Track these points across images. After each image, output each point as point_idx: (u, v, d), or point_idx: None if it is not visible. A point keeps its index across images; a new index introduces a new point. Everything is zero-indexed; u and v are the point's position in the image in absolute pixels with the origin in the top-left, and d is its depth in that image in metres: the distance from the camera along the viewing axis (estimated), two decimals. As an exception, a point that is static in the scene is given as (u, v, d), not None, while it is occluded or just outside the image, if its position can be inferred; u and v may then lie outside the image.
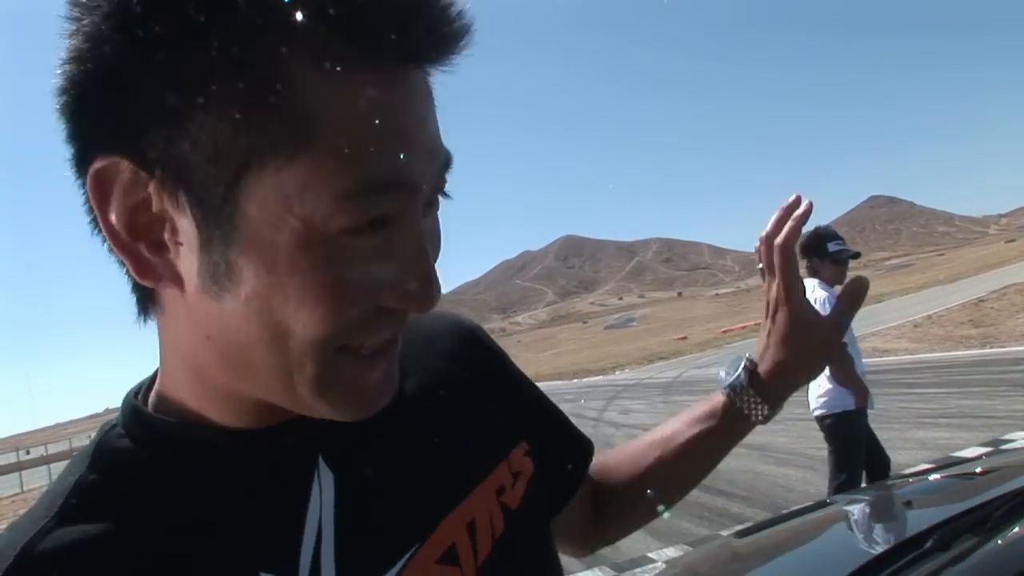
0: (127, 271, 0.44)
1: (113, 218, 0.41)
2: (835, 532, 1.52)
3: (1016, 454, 2.79)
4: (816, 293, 3.77)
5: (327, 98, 0.38)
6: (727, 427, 0.73)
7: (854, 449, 3.79)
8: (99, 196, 0.41)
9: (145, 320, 0.48)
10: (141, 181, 0.40)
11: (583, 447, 0.77)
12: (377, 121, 0.39)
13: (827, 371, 3.71)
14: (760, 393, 0.71)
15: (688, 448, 0.75)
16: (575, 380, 33.43)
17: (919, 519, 1.29)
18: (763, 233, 0.69)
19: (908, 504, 1.41)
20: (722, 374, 0.74)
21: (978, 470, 1.47)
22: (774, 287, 0.70)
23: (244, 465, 0.48)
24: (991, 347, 11.63)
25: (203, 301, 0.42)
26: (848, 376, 3.72)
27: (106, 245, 0.43)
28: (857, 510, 1.62)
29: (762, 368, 0.72)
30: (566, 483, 0.73)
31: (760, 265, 0.70)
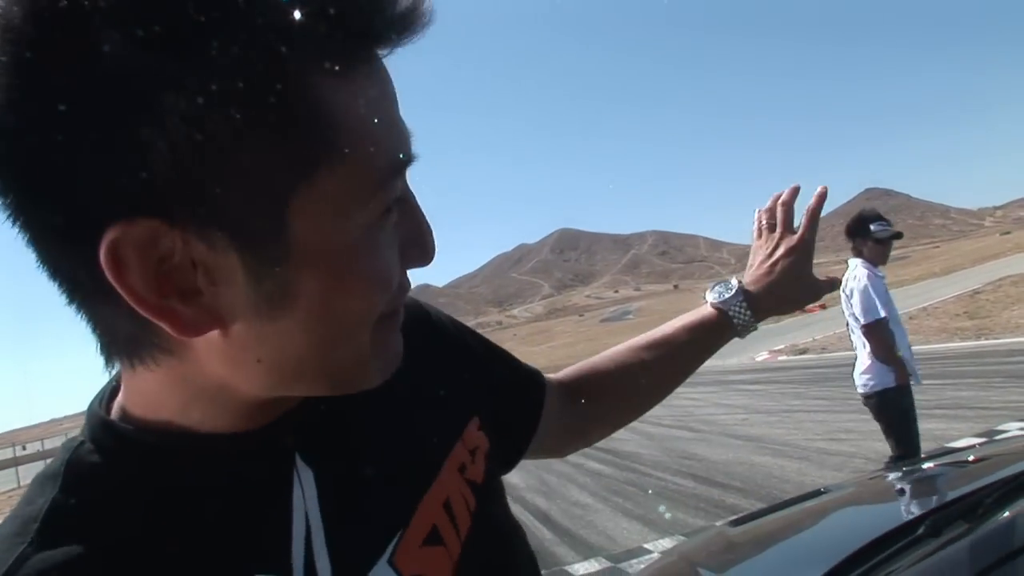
0: (102, 338, 0.43)
1: (137, 284, 0.37)
2: (829, 520, 1.53)
3: (1009, 442, 2.82)
4: (858, 271, 3.90)
5: (344, 100, 0.38)
6: (713, 335, 0.86)
7: (904, 423, 3.82)
8: (116, 268, 0.36)
9: (127, 364, 0.44)
10: (163, 235, 0.37)
11: (536, 383, 0.80)
12: (380, 107, 0.41)
13: (869, 348, 3.84)
14: (749, 306, 0.85)
15: (676, 353, 0.87)
16: (572, 373, 33.40)
17: (912, 507, 1.30)
18: (782, 198, 0.89)
19: (901, 492, 1.42)
20: (712, 293, 0.88)
21: (971, 458, 1.48)
22: (789, 238, 0.87)
23: (224, 469, 0.47)
24: (986, 339, 11.67)
25: (255, 329, 0.41)
26: (888, 353, 3.79)
27: (79, 315, 0.41)
28: (850, 498, 1.63)
29: (755, 288, 0.86)
30: (529, 422, 0.77)
31: (764, 222, 0.90)
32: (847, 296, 3.95)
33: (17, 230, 0.38)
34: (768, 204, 0.90)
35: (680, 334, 0.87)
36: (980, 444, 3.58)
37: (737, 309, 0.85)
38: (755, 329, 0.87)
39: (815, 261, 0.88)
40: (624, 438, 8.83)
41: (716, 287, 0.89)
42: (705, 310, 0.87)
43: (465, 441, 0.62)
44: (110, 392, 0.50)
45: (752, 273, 0.88)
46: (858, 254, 3.99)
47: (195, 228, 0.37)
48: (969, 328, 13.23)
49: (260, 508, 0.47)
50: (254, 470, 0.48)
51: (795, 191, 0.89)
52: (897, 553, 0.99)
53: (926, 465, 1.64)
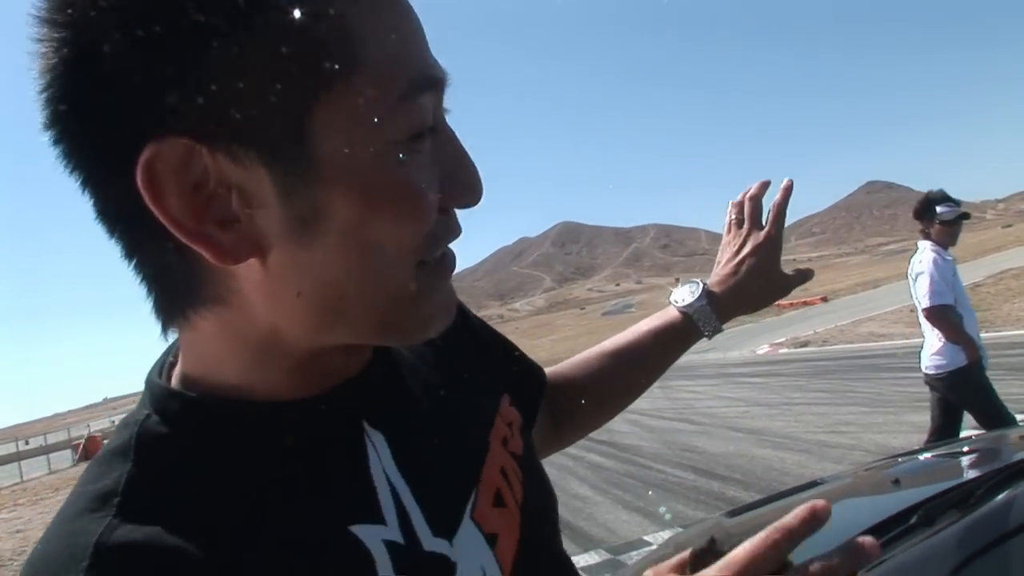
0: (158, 291, 0.44)
1: (174, 207, 0.38)
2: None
3: (1005, 434, 2.82)
4: (924, 255, 3.87)
5: (359, 13, 0.39)
6: (680, 339, 0.86)
7: (983, 396, 3.81)
8: (153, 190, 0.38)
9: (182, 319, 0.45)
10: (195, 155, 0.38)
11: (540, 376, 0.81)
12: (398, 26, 0.42)
13: (938, 331, 3.81)
14: (714, 310, 0.84)
15: (644, 358, 0.87)
16: (573, 367, 33.44)
17: (906, 497, 1.31)
18: (750, 193, 0.87)
19: (896, 482, 1.43)
20: (678, 296, 0.87)
21: (965, 449, 1.49)
22: (755, 234, 0.85)
23: (297, 432, 0.47)
24: (987, 332, 11.58)
25: (291, 256, 0.41)
26: (956, 334, 3.77)
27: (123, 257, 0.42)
28: (846, 489, 1.64)
29: (720, 289, 0.85)
30: (530, 412, 0.78)
31: (734, 216, 0.88)
32: (912, 280, 3.92)
33: (73, 177, 0.40)
34: (739, 198, 0.88)
35: (646, 339, 0.86)
36: (977, 435, 3.59)
37: (702, 313, 0.84)
38: (721, 331, 0.86)
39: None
40: (625, 431, 8.85)
41: (681, 289, 0.88)
42: (671, 314, 0.86)
43: (503, 415, 0.64)
44: (168, 365, 0.50)
45: (719, 272, 0.87)
46: (926, 236, 3.94)
47: (222, 144, 0.38)
48: (970, 321, 13.21)
49: (340, 468, 0.47)
50: (327, 432, 0.48)
51: (764, 185, 0.87)
52: (890, 542, 1.00)
53: (922, 456, 1.64)
